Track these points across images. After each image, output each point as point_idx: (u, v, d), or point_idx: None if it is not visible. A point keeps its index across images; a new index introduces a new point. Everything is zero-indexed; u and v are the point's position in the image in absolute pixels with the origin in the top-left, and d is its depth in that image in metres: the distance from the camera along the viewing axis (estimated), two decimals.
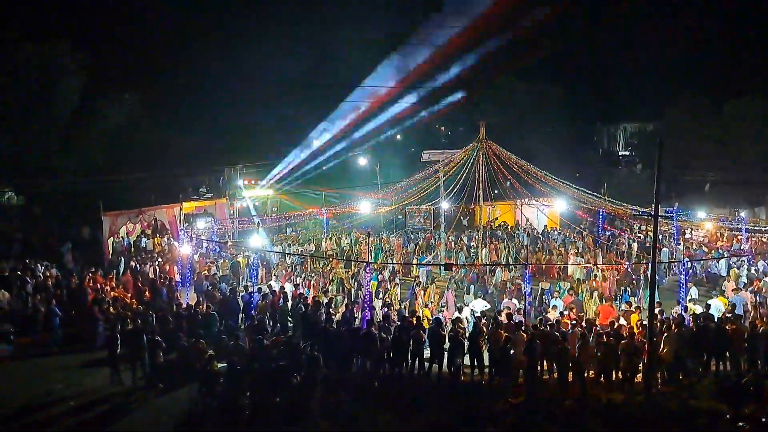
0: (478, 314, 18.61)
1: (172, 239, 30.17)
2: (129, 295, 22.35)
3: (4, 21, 34.57)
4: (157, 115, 41.83)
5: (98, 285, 21.78)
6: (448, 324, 18.01)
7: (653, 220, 15.51)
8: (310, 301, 20.32)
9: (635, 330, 16.88)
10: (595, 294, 21.54)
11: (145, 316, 17.84)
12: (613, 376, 15.82)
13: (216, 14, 51.70)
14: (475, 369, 16.36)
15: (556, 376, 15.83)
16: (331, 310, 18.99)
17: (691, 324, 16.81)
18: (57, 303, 19.16)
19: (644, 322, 16.41)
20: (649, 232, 33.23)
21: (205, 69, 48.63)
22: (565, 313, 19.21)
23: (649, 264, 16.76)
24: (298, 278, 24.85)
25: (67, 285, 21.42)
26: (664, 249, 30.14)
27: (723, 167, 42.87)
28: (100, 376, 16.02)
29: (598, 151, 62.31)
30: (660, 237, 31.78)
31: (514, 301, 20.72)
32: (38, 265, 23.14)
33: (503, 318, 17.82)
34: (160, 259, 27.08)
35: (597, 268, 24.65)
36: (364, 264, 20.30)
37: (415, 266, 27.21)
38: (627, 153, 60.54)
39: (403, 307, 20.87)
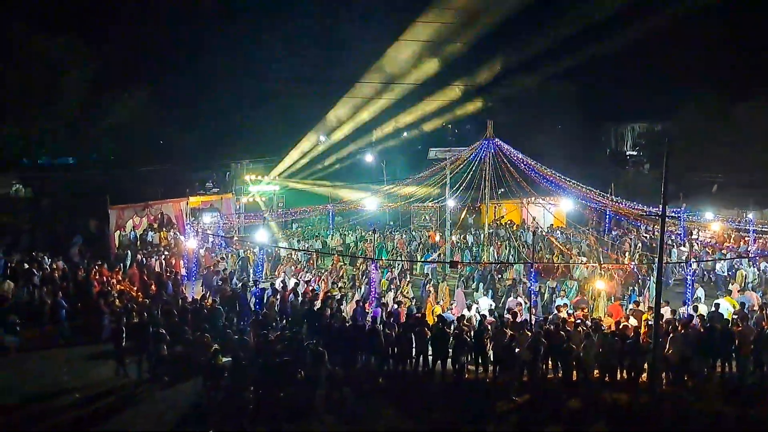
0: (483, 312, 18.61)
1: (178, 233, 30.25)
2: (135, 288, 22.42)
3: (13, 15, 34.72)
4: (164, 109, 41.92)
5: (104, 278, 21.85)
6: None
7: (660, 220, 15.44)
8: (321, 296, 20.35)
9: (641, 330, 16.82)
10: (603, 293, 21.52)
11: (150, 310, 17.90)
12: (618, 375, 15.79)
13: (224, 9, 51.66)
14: (480, 367, 16.34)
15: (560, 375, 15.81)
16: (340, 306, 19.05)
17: (698, 325, 16.76)
18: (63, 295, 19.23)
19: (650, 323, 16.35)
20: (655, 233, 33.14)
21: (213, 64, 48.72)
22: (573, 312, 19.20)
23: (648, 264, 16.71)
24: (308, 274, 24.88)
25: (74, 278, 21.49)
26: (674, 249, 30.06)
27: (732, 168, 42.62)
28: (105, 369, 16.09)
29: (606, 150, 62.04)
30: (673, 237, 31.81)
31: (519, 299, 20.70)
32: (45, 257, 23.23)
33: (508, 316, 17.80)
34: (166, 253, 27.16)
35: (599, 267, 24.62)
36: (370, 261, 20.32)
37: (419, 264, 27.20)
38: (634, 153, 60.23)
39: (414, 304, 20.90)
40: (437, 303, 20.98)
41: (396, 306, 19.29)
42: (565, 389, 15.21)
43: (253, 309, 19.88)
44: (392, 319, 17.55)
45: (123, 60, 40.67)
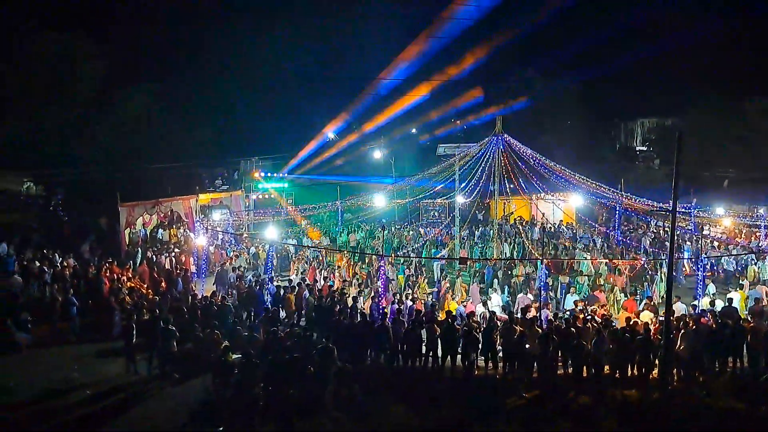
0: (492, 309, 18.57)
1: (188, 230, 30.35)
2: (145, 285, 22.52)
3: (23, 12, 34.90)
4: (174, 106, 42.04)
5: (115, 275, 21.96)
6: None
7: (671, 216, 15.34)
8: (327, 291, 20.39)
9: (651, 326, 16.74)
10: (616, 289, 21.49)
11: (160, 307, 17.97)
12: (629, 372, 15.72)
13: (232, 7, 51.79)
14: (489, 363, 16.31)
15: (570, 371, 15.75)
16: (356, 303, 19.06)
17: (710, 321, 16.68)
18: (74, 293, 19.32)
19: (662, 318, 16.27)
20: (664, 228, 32.97)
21: (223, 61, 48.84)
22: (583, 309, 19.14)
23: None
24: (325, 272, 24.89)
25: (84, 275, 21.60)
26: (685, 245, 29.91)
27: (743, 164, 42.34)
28: (115, 366, 16.16)
29: (616, 146, 61.75)
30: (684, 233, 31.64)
31: (529, 296, 20.64)
32: (56, 254, 23.37)
33: (518, 313, 17.78)
34: (176, 250, 27.26)
35: (604, 263, 24.57)
36: (379, 258, 20.32)
37: (428, 260, 27.16)
38: (644, 148, 59.91)
39: (431, 300, 20.90)
40: (452, 299, 20.99)
41: (411, 302, 19.29)
42: (575, 385, 15.14)
43: (269, 306, 19.90)
44: (401, 315, 17.57)
45: (133, 57, 40.83)
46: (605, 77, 52.29)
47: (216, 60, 48.65)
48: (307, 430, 13.16)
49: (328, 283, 21.96)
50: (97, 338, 18.14)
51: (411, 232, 34.67)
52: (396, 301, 19.36)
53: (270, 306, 19.54)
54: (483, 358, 16.31)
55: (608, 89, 52.85)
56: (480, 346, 16.20)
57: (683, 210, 32.04)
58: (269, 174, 41.98)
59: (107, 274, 21.69)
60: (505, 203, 35.25)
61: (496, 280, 23.06)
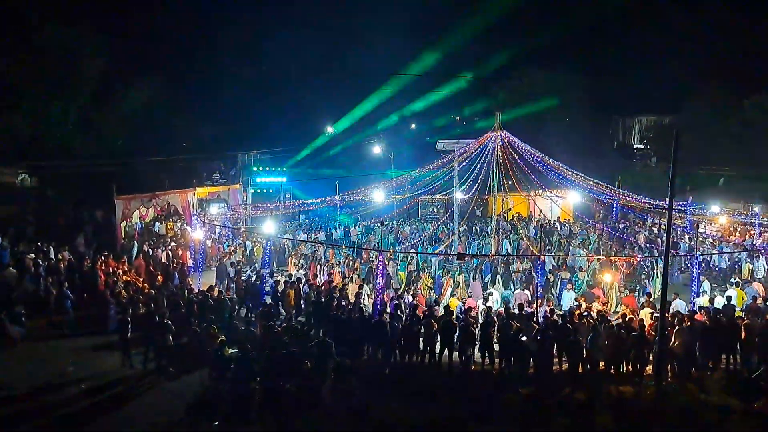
0: (489, 305, 18.58)
1: (185, 224, 30.27)
2: (141, 279, 22.45)
3: (27, 3, 34.74)
4: (172, 99, 41.93)
5: (110, 269, 21.88)
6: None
7: (668, 213, 15.35)
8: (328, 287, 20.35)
9: (646, 322, 16.78)
10: (616, 285, 21.53)
11: (156, 301, 17.92)
12: (624, 368, 15.76)
13: (235, 1, 51.79)
14: (486, 359, 16.32)
15: (566, 367, 15.78)
16: (359, 299, 19.05)
17: (704, 318, 16.73)
18: (69, 286, 19.25)
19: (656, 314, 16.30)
20: (660, 226, 33.00)
21: (223, 56, 48.74)
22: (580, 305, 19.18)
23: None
24: (325, 267, 24.80)
25: (80, 268, 21.53)
26: (681, 243, 29.97)
27: (738, 162, 42.37)
28: (111, 359, 16.13)
29: (613, 143, 61.73)
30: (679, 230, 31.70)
31: (527, 292, 20.66)
32: (51, 247, 23.27)
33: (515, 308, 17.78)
34: (173, 244, 27.18)
35: (606, 259, 24.59)
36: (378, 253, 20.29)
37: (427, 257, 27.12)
38: (642, 146, 59.89)
39: (433, 296, 20.89)
40: (453, 295, 20.97)
41: (411, 298, 19.27)
42: (571, 381, 15.17)
43: (266, 301, 19.88)
44: (400, 311, 17.58)
45: (134, 50, 40.71)
46: (604, 74, 52.33)
47: (216, 54, 48.57)
48: (304, 425, 13.16)
49: (328, 279, 21.89)
50: (93, 332, 18.09)
51: (408, 228, 34.64)
52: (396, 297, 19.37)
53: (269, 301, 19.53)
54: (480, 353, 16.33)
55: (606, 86, 52.78)
56: (477, 341, 16.23)
57: (679, 207, 32.10)
58: (268, 168, 41.90)
59: (103, 268, 21.61)
60: (503, 199, 35.22)
61: (498, 276, 23.03)
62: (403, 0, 52.47)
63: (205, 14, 49.03)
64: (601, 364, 15.77)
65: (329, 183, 39.40)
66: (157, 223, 30.87)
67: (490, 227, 30.97)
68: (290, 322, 17.04)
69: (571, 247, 28.85)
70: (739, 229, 33.82)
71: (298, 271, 23.79)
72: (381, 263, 19.72)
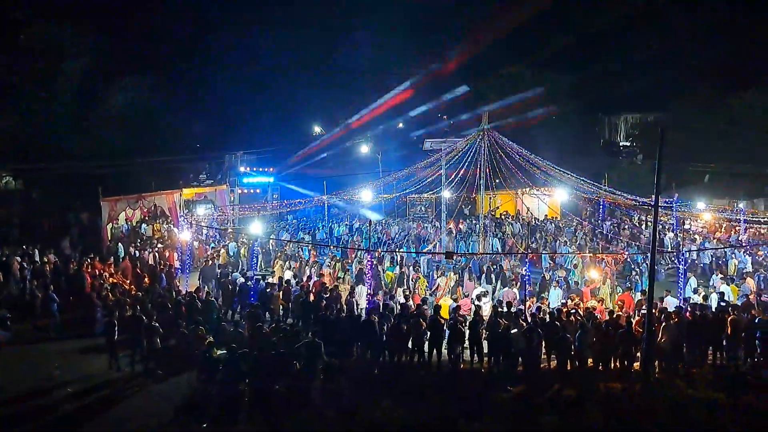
0: (477, 303, 18.58)
1: (171, 225, 30.11)
2: (127, 281, 22.29)
3: (12, 1, 34.43)
4: (160, 100, 41.71)
5: (96, 271, 21.73)
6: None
7: (653, 210, 15.44)
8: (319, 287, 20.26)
9: (633, 319, 16.89)
10: (608, 282, 21.63)
11: (143, 303, 17.80)
12: (612, 364, 15.84)
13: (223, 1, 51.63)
14: (475, 357, 16.34)
15: (554, 364, 15.84)
16: (351, 299, 18.98)
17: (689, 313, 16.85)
18: (55, 289, 19.08)
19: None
20: (647, 222, 33.25)
21: (210, 56, 48.56)
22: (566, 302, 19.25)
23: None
24: (311, 268, 24.65)
25: (65, 271, 21.35)
26: (665, 238, 30.18)
27: (723, 159, 42.77)
28: (98, 362, 16.00)
29: (600, 141, 62.09)
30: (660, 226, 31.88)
31: (514, 290, 20.70)
32: (36, 250, 23.07)
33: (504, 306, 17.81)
34: (159, 246, 27.01)
35: (591, 257, 24.70)
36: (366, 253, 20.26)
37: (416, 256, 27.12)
38: (628, 144, 60.30)
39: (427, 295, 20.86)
40: (446, 294, 20.95)
41: (405, 299, 19.25)
42: (559, 378, 15.23)
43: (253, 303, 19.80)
44: (388, 310, 17.56)
45: (119, 50, 40.44)
46: (590, 73, 52.55)
47: (203, 54, 48.37)
48: (293, 425, 13.12)
49: (319, 281, 21.73)
50: (79, 335, 17.94)
51: (395, 228, 34.65)
52: (387, 297, 19.32)
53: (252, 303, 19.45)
54: (469, 352, 16.36)
55: (593, 84, 53.05)
56: (466, 339, 16.25)
57: (665, 204, 32.33)
58: (255, 168, 41.78)
59: (89, 270, 21.46)
60: (490, 198, 35.33)
61: (492, 276, 23.03)
62: (391, 0, 52.53)
63: (191, 14, 48.78)
64: (590, 361, 15.84)
65: (317, 183, 39.34)
66: (144, 225, 30.71)
67: (477, 226, 31.00)
68: (279, 323, 16.95)
69: (558, 245, 28.97)
70: (724, 226, 34.15)
71: (284, 272, 23.63)
72: (369, 263, 19.70)
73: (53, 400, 14.01)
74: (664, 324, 15.81)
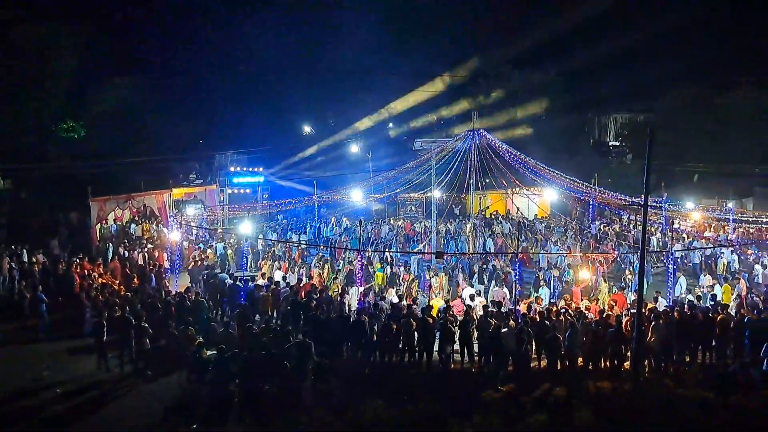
0: (469, 303, 18.61)
1: (161, 225, 29.96)
2: (117, 281, 22.17)
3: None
4: (149, 100, 41.52)
5: (85, 271, 21.60)
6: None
7: (643, 210, 15.51)
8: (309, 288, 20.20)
9: (623, 318, 16.96)
10: (601, 281, 21.73)
11: (132, 303, 17.71)
12: (602, 364, 15.89)
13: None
14: (465, 357, 16.36)
15: (545, 364, 15.88)
16: (343, 300, 18.95)
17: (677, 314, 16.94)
18: (43, 290, 18.95)
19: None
20: (637, 222, 33.40)
21: (199, 55, 48.40)
22: (556, 301, 19.31)
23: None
24: (301, 269, 24.54)
25: (54, 271, 21.21)
26: (653, 238, 30.33)
27: (712, 159, 43.07)
28: (87, 363, 15.92)
29: (589, 141, 62.34)
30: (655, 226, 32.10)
31: (504, 289, 20.74)
32: (24, 251, 22.91)
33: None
34: (149, 246, 26.87)
35: (582, 257, 24.79)
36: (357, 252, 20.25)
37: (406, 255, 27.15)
38: (617, 143, 60.57)
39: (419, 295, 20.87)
40: (437, 295, 20.95)
41: (398, 299, 19.24)
42: (550, 378, 15.26)
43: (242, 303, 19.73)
44: (378, 310, 17.55)
45: (107, 50, 40.27)
46: (579, 73, 52.81)
47: (193, 54, 48.21)
48: (283, 426, 13.07)
49: (309, 282, 21.65)
50: (68, 335, 17.85)
51: (385, 227, 34.64)
52: (378, 298, 19.32)
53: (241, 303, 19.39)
54: (459, 351, 16.38)
55: (582, 84, 53.28)
56: (456, 339, 16.27)
57: (655, 204, 32.51)
58: (245, 168, 41.65)
59: (78, 271, 21.32)
60: (480, 198, 35.39)
61: (484, 276, 23.05)
62: (381, 1, 52.56)
63: (181, 13, 48.59)
64: (580, 360, 15.89)
65: (308, 183, 39.29)
66: (133, 225, 30.53)
67: (467, 226, 31.04)
68: (269, 324, 16.91)
69: (548, 245, 29.05)
70: (713, 225, 34.36)
71: (273, 272, 23.47)
72: (360, 263, 19.69)
73: (42, 400, 13.94)
74: (653, 323, 15.89)
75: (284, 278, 22.32)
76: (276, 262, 25.21)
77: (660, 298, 18.73)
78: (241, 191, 40.67)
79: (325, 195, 35.88)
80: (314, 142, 50.79)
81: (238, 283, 20.67)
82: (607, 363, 15.88)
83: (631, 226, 34.19)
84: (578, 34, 51.25)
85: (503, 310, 17.66)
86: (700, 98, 46.12)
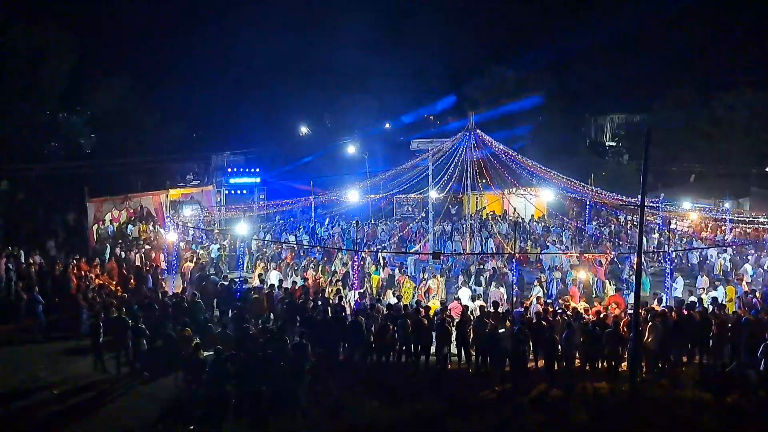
0: (465, 303, 18.61)
1: (158, 226, 29.92)
2: (113, 282, 22.13)
3: None
4: (144, 100, 41.50)
5: (82, 272, 21.55)
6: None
7: (640, 210, 15.54)
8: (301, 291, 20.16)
9: (620, 319, 16.96)
10: (597, 281, 21.73)
11: (129, 304, 17.69)
12: (598, 364, 15.91)
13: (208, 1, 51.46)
14: (462, 358, 16.37)
15: (541, 364, 15.89)
16: (341, 301, 18.93)
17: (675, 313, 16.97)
18: (40, 291, 18.89)
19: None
20: (633, 222, 33.45)
21: (195, 56, 48.43)
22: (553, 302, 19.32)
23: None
24: (292, 270, 24.39)
25: (51, 272, 21.17)
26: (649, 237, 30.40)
27: (709, 159, 43.18)
28: (84, 364, 15.88)
29: (586, 141, 62.47)
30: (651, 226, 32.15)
31: (501, 290, 20.74)
32: (21, 251, 22.86)
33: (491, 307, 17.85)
34: (146, 247, 26.83)
35: (579, 257, 24.79)
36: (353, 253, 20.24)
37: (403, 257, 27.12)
38: (614, 144, 60.73)
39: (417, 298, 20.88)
40: (432, 297, 20.91)
41: (396, 300, 19.24)
42: (546, 378, 15.29)
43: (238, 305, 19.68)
44: (375, 311, 17.54)
45: (104, 50, 40.28)
46: (576, 74, 52.93)
47: (189, 54, 48.23)
48: (280, 426, 13.09)
49: (302, 285, 21.58)
50: (65, 336, 17.81)
51: (381, 227, 34.61)
52: (375, 300, 19.32)
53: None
54: (456, 352, 16.38)
55: (578, 85, 53.43)
56: (453, 340, 16.27)
57: (651, 204, 32.57)
58: (241, 169, 41.62)
59: (74, 271, 21.25)
60: (477, 198, 35.39)
61: (481, 277, 23.02)
62: (375, 0, 52.62)
63: (176, 13, 48.62)
64: (577, 361, 15.90)
65: (305, 183, 39.25)
66: (130, 226, 30.48)
67: (465, 226, 31.06)
68: (265, 325, 16.89)
69: (548, 243, 29.06)
70: (710, 225, 34.42)
71: (266, 273, 23.28)
72: (357, 264, 19.68)
73: (39, 401, 13.91)
74: (650, 324, 15.90)
75: (281, 280, 22.24)
76: (269, 263, 25.14)
77: (654, 300, 18.73)
78: (238, 192, 40.63)
79: (321, 195, 35.80)
80: (311, 143, 50.78)
81: (230, 284, 20.60)
82: (604, 364, 15.88)
83: (628, 227, 34.24)
84: (575, 36, 51.43)
85: (500, 310, 17.65)
86: (695, 99, 46.26)
